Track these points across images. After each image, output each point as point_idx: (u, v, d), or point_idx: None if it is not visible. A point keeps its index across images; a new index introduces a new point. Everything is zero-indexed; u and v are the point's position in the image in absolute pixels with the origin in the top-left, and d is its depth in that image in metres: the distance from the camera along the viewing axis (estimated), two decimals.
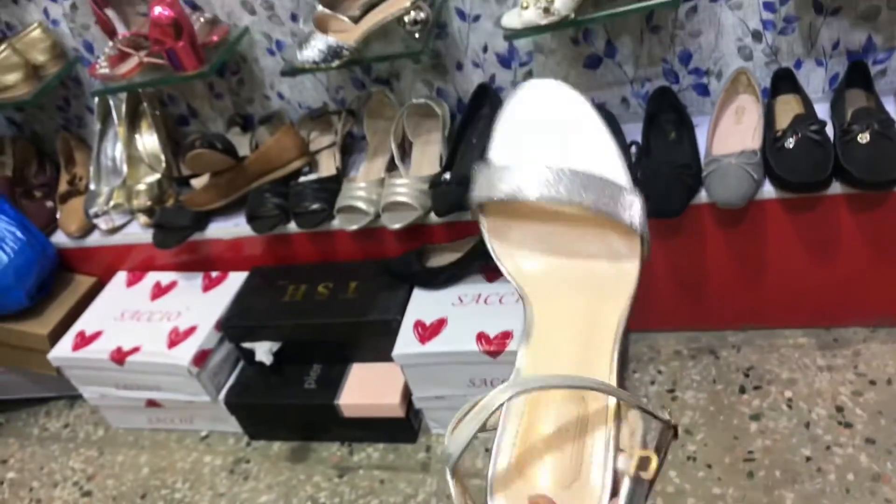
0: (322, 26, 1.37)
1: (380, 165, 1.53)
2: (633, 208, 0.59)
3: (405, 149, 1.56)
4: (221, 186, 1.54)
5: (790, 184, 1.23)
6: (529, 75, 1.51)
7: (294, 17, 1.53)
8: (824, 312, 1.44)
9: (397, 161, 1.49)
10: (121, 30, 1.54)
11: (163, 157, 1.67)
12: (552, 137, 0.63)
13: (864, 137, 1.21)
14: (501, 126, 0.66)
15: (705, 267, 1.40)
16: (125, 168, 1.67)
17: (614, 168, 0.61)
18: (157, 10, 1.37)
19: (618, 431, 0.55)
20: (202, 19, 1.52)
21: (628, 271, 0.61)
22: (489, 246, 0.64)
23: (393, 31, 1.38)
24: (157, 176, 1.65)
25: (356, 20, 1.39)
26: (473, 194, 0.62)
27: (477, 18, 1.46)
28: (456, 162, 1.46)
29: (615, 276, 0.61)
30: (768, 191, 1.27)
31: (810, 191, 1.23)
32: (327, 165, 1.58)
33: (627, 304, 0.60)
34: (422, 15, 1.34)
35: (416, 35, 1.35)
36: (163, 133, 1.68)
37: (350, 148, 1.66)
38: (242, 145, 1.63)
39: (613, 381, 0.57)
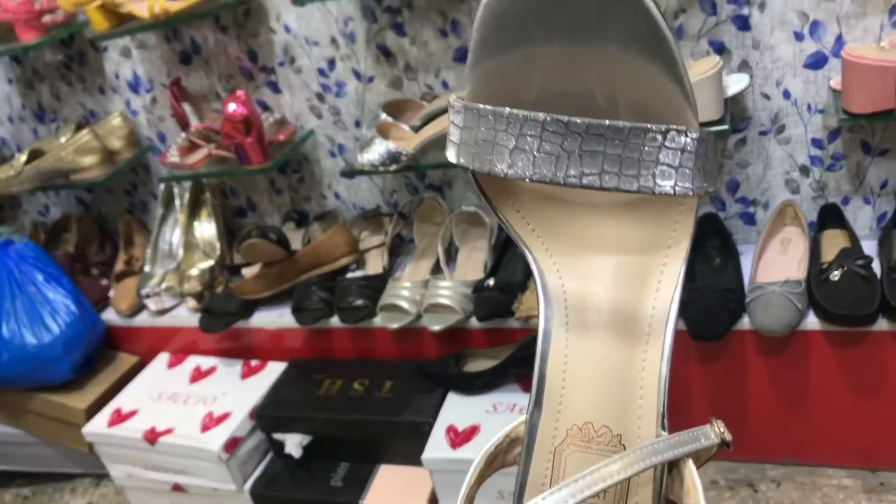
0: (384, 133, 1.44)
1: (425, 267, 1.57)
2: (681, 157, 0.43)
3: (451, 254, 1.60)
4: (271, 277, 1.58)
5: (835, 316, 1.22)
6: None
7: (357, 124, 1.62)
8: (870, 454, 1.39)
9: (443, 264, 1.52)
10: (194, 123, 1.64)
11: (218, 245, 1.73)
12: (560, 42, 0.43)
13: None
14: (480, 26, 0.44)
15: (746, 395, 1.38)
16: (181, 253, 1.73)
17: (658, 88, 0.44)
18: (232, 106, 1.46)
19: (669, 486, 0.46)
20: (271, 119, 1.61)
21: (677, 250, 0.48)
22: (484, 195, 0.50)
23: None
24: (211, 263, 1.71)
25: (416, 129, 1.47)
26: (451, 151, 0.46)
27: None
28: (500, 269, 1.49)
29: (658, 257, 0.49)
30: (812, 322, 1.27)
31: (855, 325, 1.22)
32: (375, 264, 1.62)
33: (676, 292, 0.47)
34: None
35: None
36: (221, 222, 1.75)
37: (399, 249, 1.71)
38: (296, 240, 1.69)
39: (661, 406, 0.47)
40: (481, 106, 0.44)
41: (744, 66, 1.35)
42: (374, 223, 1.68)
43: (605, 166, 0.43)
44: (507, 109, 0.44)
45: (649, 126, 0.42)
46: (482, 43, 0.45)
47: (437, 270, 1.55)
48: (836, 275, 1.25)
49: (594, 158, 0.43)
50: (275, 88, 1.63)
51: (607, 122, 0.43)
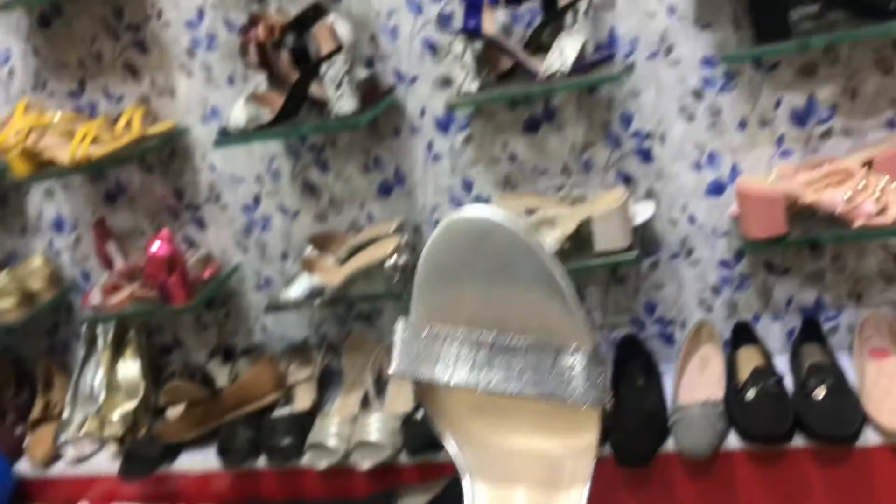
0: (309, 267, 1.46)
1: (355, 400, 1.55)
2: (574, 372, 0.54)
3: (382, 384, 1.59)
4: (195, 418, 1.54)
5: (752, 436, 1.25)
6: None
7: (284, 257, 1.63)
8: None
9: (371, 397, 1.51)
10: (118, 263, 1.63)
11: (142, 386, 1.68)
12: (480, 285, 0.56)
13: (819, 393, 1.25)
14: (422, 272, 0.59)
15: None
16: (103, 395, 1.68)
17: (556, 316, 0.55)
18: (155, 246, 1.46)
19: None
20: (197, 256, 1.61)
21: (584, 448, 0.57)
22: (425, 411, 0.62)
23: (376, 272, 1.47)
24: (134, 404, 1.66)
25: (342, 262, 1.49)
26: (394, 364, 0.59)
27: None
28: None
29: (568, 455, 0.58)
30: (734, 442, 1.29)
31: (773, 443, 1.25)
32: (303, 399, 1.59)
33: (585, 490, 0.56)
34: (402, 260, 1.43)
35: (396, 278, 1.44)
36: (145, 362, 1.71)
37: (328, 382, 1.69)
38: (222, 376, 1.66)
39: None
40: (420, 325, 0.58)
41: (650, 195, 1.42)
42: (303, 356, 1.67)
43: (511, 375, 0.54)
44: (438, 326, 0.57)
45: (544, 345, 0.54)
46: (425, 281, 0.58)
47: (367, 402, 1.54)
48: (750, 394, 1.29)
49: (502, 368, 0.54)
50: (201, 225, 1.65)
51: (516, 343, 0.55)
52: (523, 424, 0.59)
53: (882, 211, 1.21)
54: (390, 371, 0.59)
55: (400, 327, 0.60)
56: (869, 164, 1.26)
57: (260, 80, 1.42)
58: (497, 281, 0.55)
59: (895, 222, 1.20)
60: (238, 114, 1.37)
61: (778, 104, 1.32)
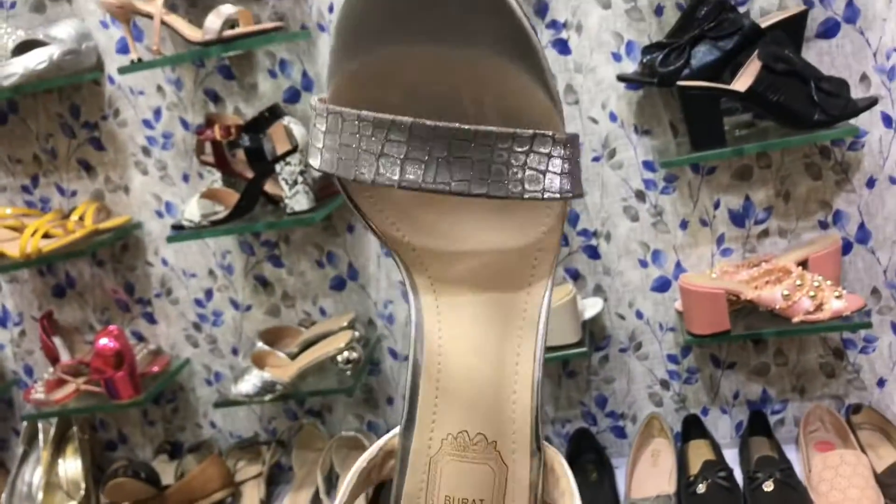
0: (259, 362, 1.45)
1: (304, 498, 1.51)
2: (549, 165, 0.42)
3: (333, 481, 1.56)
4: None
5: None
6: None
7: (235, 352, 1.62)
8: None
9: (322, 494, 1.48)
10: (64, 357, 1.60)
11: (83, 485, 1.63)
12: (424, 46, 0.42)
13: (768, 486, 1.26)
14: (341, 29, 0.44)
15: None
16: (41, 496, 1.61)
17: (525, 90, 0.43)
18: (103, 341, 1.44)
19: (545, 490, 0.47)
20: (146, 350, 1.59)
21: (546, 243, 0.48)
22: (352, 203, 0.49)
23: (328, 367, 1.46)
24: None
25: (293, 356, 1.48)
26: (317, 158, 0.44)
27: (407, 358, 1.56)
28: (382, 494, 1.46)
29: (528, 250, 0.48)
30: None
31: None
32: (251, 497, 1.56)
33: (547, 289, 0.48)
34: (354, 355, 1.44)
35: (349, 373, 1.44)
36: (87, 459, 1.65)
37: (278, 479, 1.65)
38: (168, 473, 1.61)
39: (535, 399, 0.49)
40: (345, 110, 0.42)
41: (598, 290, 1.46)
42: (252, 452, 1.64)
43: (474, 172, 0.41)
44: (372, 114, 0.41)
45: (516, 131, 0.41)
46: (343, 45, 0.43)
47: (317, 500, 1.50)
48: (701, 487, 1.30)
49: (463, 164, 0.41)
50: (150, 319, 1.63)
51: (475, 127, 0.41)
52: (478, 217, 0.49)
53: (818, 307, 1.26)
54: (313, 165, 0.44)
55: (317, 105, 0.44)
56: (804, 263, 1.32)
57: (215, 178, 1.44)
58: (448, 41, 0.41)
59: (831, 318, 1.25)
60: (193, 209, 1.38)
61: (717, 205, 1.39)
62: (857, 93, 1.28)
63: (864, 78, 1.29)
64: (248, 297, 1.58)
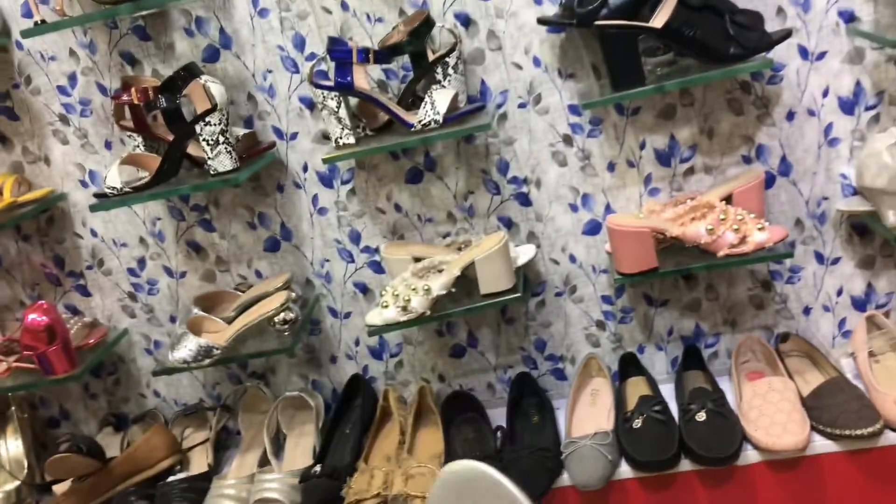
0: (195, 328, 1.43)
1: (252, 460, 1.52)
2: None
3: (280, 442, 1.56)
4: (84, 491, 1.48)
5: (640, 463, 1.29)
6: (400, 365, 1.59)
7: (173, 319, 1.60)
8: None
9: (270, 455, 1.48)
10: None
11: (26, 463, 1.60)
12: None
13: (701, 416, 1.30)
14: None
15: None
16: None
17: None
18: (31, 317, 1.41)
19: None
20: (80, 323, 1.56)
21: None
22: None
23: (267, 329, 1.46)
24: (17, 483, 1.58)
25: (230, 321, 1.47)
26: None
27: (348, 315, 1.56)
28: (329, 453, 1.47)
29: None
30: (626, 471, 1.32)
31: (660, 469, 1.29)
32: (199, 463, 1.55)
33: None
34: (291, 315, 1.43)
35: (287, 333, 1.43)
36: (28, 437, 1.63)
37: (226, 443, 1.65)
38: (114, 446, 1.60)
39: None
40: None
41: (531, 237, 1.47)
42: (198, 419, 1.63)
43: None
44: None
45: None
46: None
47: (265, 462, 1.51)
48: (637, 422, 1.33)
49: None
50: (84, 292, 1.60)
51: None
52: None
53: (742, 241, 1.28)
54: None
55: None
56: (728, 198, 1.35)
57: (137, 143, 1.41)
58: None
59: (755, 250, 1.28)
60: (114, 176, 1.35)
61: (643, 146, 1.40)
62: (772, 26, 1.29)
63: (779, 11, 1.31)
64: (182, 264, 1.56)
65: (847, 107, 1.35)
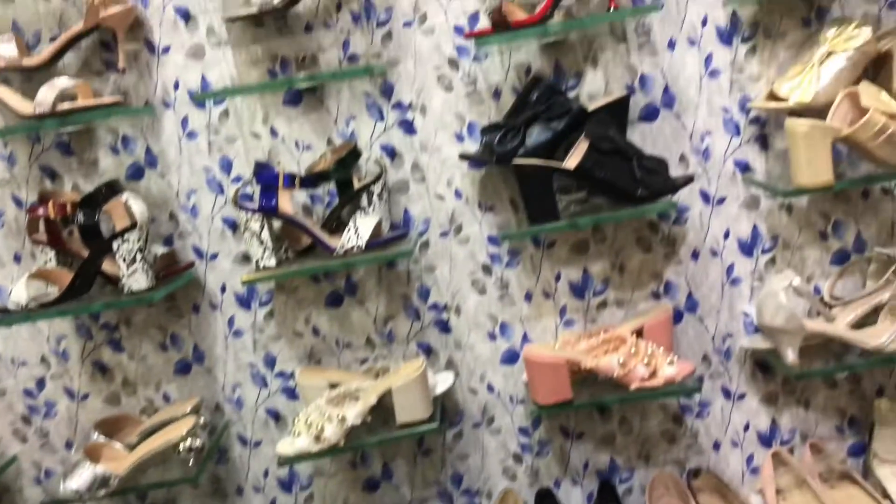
0: (93, 455, 1.35)
1: None
2: None
3: None
4: None
5: None
6: (311, 499, 1.52)
7: (69, 445, 1.50)
8: None
9: None
10: None
11: None
12: None
13: None
14: None
15: None
16: None
17: None
18: None
19: None
20: None
21: None
22: None
23: (171, 457, 1.38)
24: None
25: (133, 447, 1.39)
26: None
27: (258, 444, 1.50)
28: None
29: None
30: None
31: None
32: None
33: None
34: (197, 442, 1.36)
35: (191, 462, 1.36)
36: None
37: None
38: None
39: None
40: None
41: (450, 365, 1.47)
42: None
43: None
44: None
45: None
46: None
47: None
48: None
49: None
50: None
51: None
52: None
53: (652, 374, 1.31)
54: None
55: None
56: (639, 332, 1.39)
57: (49, 258, 1.37)
58: None
59: (665, 384, 1.31)
60: (20, 291, 1.30)
61: (558, 278, 1.45)
62: (676, 171, 1.39)
63: (682, 158, 1.41)
64: (86, 385, 1.49)
65: (746, 249, 1.44)
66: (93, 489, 1.31)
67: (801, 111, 1.27)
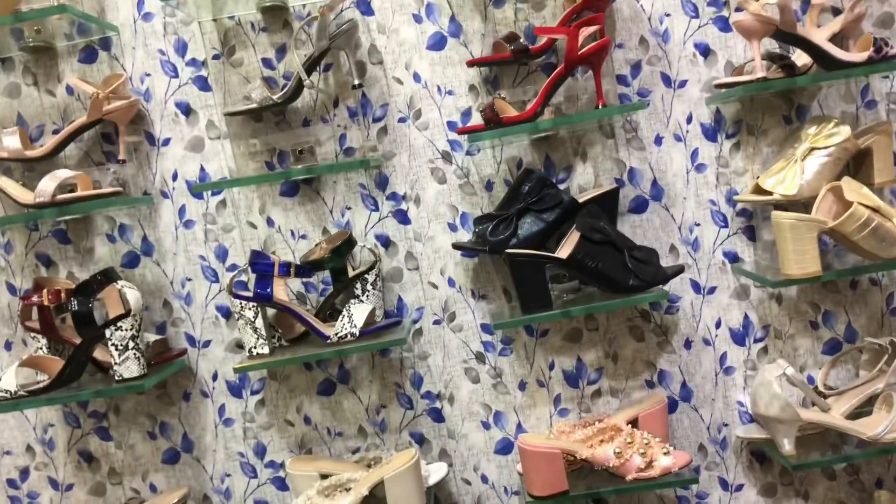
0: None
1: None
2: None
3: None
4: None
5: None
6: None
7: None
8: None
9: None
10: None
11: None
12: None
13: None
14: None
15: None
16: None
17: None
18: None
19: None
20: None
21: None
22: None
23: None
24: None
25: None
26: None
27: None
28: None
29: None
30: None
31: None
32: None
33: None
34: None
35: None
36: None
37: None
38: None
39: None
40: None
41: (443, 455, 1.45)
42: None
43: None
44: None
45: None
46: None
47: None
48: None
49: None
50: None
51: None
52: None
53: (649, 464, 1.30)
54: None
55: None
56: (634, 422, 1.38)
57: (41, 345, 1.36)
58: None
59: (662, 475, 1.29)
60: (10, 378, 1.29)
61: (552, 366, 1.44)
62: (666, 261, 1.41)
63: (672, 248, 1.43)
64: (71, 475, 1.46)
65: (738, 338, 1.44)
66: None
67: (786, 204, 1.30)
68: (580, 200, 1.35)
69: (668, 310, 1.44)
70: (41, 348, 1.37)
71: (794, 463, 1.30)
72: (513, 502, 1.46)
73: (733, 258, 1.43)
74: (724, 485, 1.46)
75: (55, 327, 1.34)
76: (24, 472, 1.46)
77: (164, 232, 1.43)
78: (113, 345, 1.27)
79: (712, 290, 1.44)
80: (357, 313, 1.32)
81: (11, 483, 1.46)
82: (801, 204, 1.30)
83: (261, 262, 1.31)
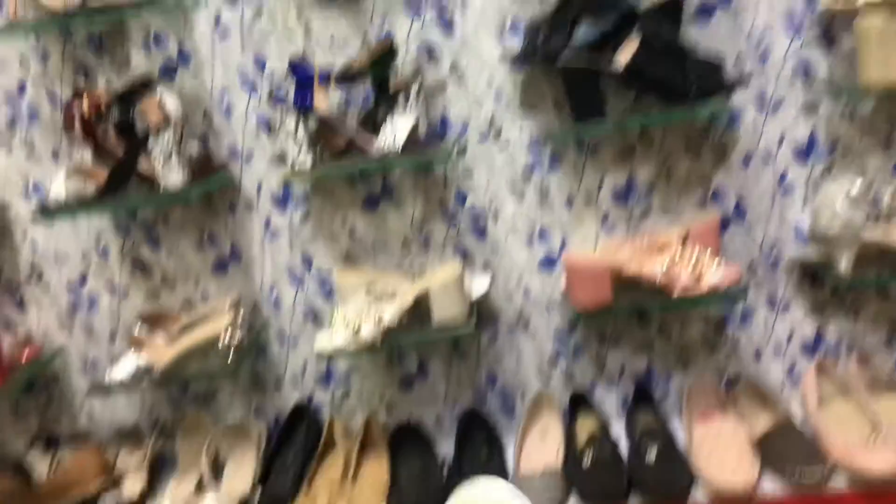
0: (137, 345, 1.38)
1: (189, 486, 1.46)
2: None
3: (219, 469, 1.51)
4: None
5: (590, 499, 1.27)
6: (347, 395, 1.55)
7: (112, 338, 1.54)
8: None
9: (206, 481, 1.43)
10: None
11: None
12: None
13: (651, 455, 1.29)
14: None
15: None
16: None
17: None
18: None
19: None
20: (14, 338, 1.50)
21: None
22: None
23: (211, 351, 1.41)
24: None
25: (174, 340, 1.42)
26: None
27: (296, 341, 1.53)
28: (269, 481, 1.42)
29: None
30: None
31: None
32: (132, 486, 1.48)
33: None
34: (236, 338, 1.39)
35: (231, 357, 1.39)
36: None
37: (161, 467, 1.58)
38: (42, 466, 1.52)
39: None
40: None
41: (486, 269, 1.46)
42: (133, 441, 1.56)
43: None
44: None
45: None
46: None
47: (201, 488, 1.45)
48: (587, 460, 1.32)
49: None
50: (20, 306, 1.54)
51: None
52: None
53: (697, 281, 1.28)
54: None
55: None
56: (685, 238, 1.35)
57: (85, 155, 1.36)
58: None
59: (709, 291, 1.28)
60: (59, 188, 1.30)
61: (601, 184, 1.40)
62: (731, 73, 1.31)
63: (738, 59, 1.33)
64: (126, 281, 1.51)
65: (802, 155, 1.37)
66: (135, 380, 1.35)
67: (875, 5, 1.17)
68: (645, 7, 1.24)
69: (728, 126, 1.36)
70: (86, 158, 1.37)
71: (849, 281, 1.27)
72: (555, 316, 1.48)
73: (805, 70, 1.32)
74: (772, 303, 1.44)
75: (97, 137, 1.33)
76: (83, 278, 1.51)
77: (200, 40, 1.37)
78: (156, 155, 1.26)
79: (778, 105, 1.34)
80: (400, 127, 1.27)
81: (73, 288, 1.52)
82: (890, 7, 1.17)
83: (300, 71, 1.25)
